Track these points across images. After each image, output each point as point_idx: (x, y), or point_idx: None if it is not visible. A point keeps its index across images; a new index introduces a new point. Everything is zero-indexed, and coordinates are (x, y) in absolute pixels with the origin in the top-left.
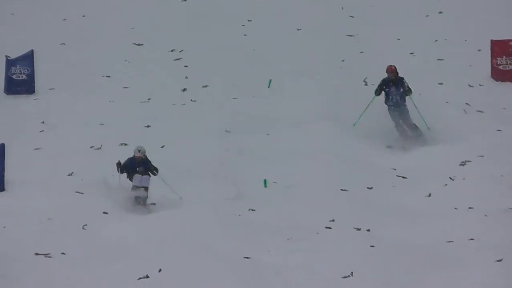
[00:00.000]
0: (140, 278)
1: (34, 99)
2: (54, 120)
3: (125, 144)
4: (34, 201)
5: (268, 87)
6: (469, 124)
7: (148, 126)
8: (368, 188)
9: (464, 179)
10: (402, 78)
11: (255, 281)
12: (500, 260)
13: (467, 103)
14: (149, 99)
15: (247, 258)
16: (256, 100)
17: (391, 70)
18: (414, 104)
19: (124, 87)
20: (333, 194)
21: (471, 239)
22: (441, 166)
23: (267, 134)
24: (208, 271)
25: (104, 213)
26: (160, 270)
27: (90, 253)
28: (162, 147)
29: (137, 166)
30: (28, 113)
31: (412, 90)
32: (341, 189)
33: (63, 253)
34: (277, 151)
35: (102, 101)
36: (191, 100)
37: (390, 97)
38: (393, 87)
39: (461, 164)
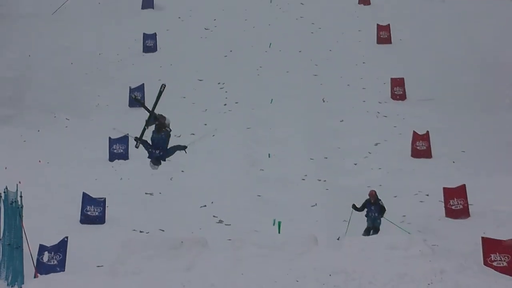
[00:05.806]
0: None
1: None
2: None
3: None
4: None
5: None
6: (380, 123)
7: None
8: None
9: (376, 153)
10: (380, 200)
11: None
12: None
13: (378, 112)
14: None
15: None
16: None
17: (372, 194)
18: (387, 219)
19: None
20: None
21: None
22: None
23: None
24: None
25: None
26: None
27: None
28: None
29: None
30: None
31: (385, 208)
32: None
33: None
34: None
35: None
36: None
37: (370, 214)
38: (373, 206)
39: (375, 144)
